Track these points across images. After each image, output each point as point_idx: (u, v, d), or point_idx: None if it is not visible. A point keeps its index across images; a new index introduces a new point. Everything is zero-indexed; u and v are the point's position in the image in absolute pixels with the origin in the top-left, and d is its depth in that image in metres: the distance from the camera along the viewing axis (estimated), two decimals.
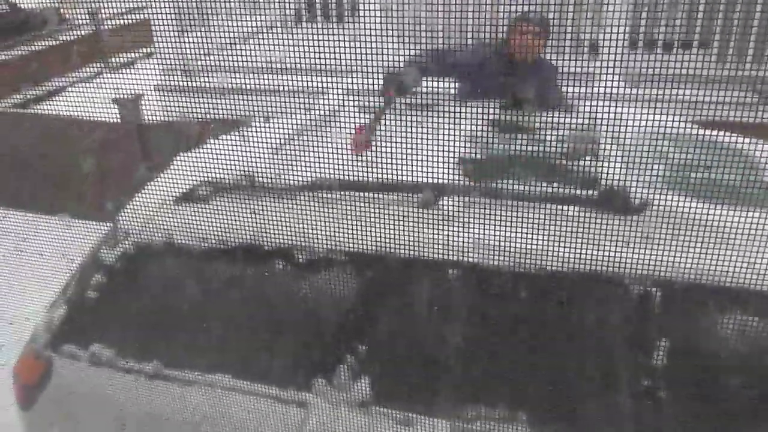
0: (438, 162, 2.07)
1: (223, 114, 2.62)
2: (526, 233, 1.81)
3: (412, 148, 2.08)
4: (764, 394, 1.70)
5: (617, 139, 2.09)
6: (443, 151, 2.12)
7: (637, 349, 1.76)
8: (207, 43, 5.14)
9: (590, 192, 1.86)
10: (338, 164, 2.05)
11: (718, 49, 4.54)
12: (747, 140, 2.39)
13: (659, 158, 2.09)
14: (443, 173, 2.00)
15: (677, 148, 2.17)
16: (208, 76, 5.03)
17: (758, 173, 2.10)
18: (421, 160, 2.06)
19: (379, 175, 1.96)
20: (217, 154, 2.37)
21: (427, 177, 1.95)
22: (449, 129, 2.26)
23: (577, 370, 1.81)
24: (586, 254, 1.75)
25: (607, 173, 1.92)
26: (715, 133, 2.42)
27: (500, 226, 1.84)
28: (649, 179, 1.93)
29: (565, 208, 1.84)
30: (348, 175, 2.01)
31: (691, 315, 1.78)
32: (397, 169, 1.96)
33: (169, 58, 4.82)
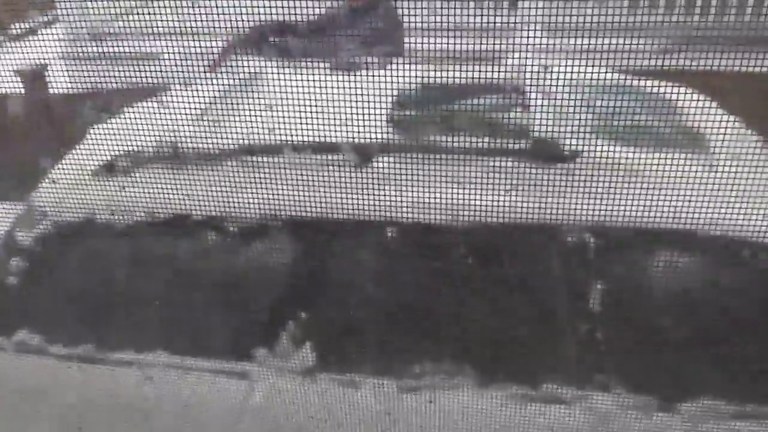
0: (368, 121, 2.03)
1: (136, 82, 2.48)
2: (461, 188, 1.81)
3: (341, 108, 2.03)
4: (698, 328, 1.78)
5: (545, 91, 2.11)
6: (373, 109, 2.09)
7: (575, 295, 1.80)
8: (115, 5, 4.84)
9: (522, 144, 1.86)
10: (266, 128, 1.98)
11: None
12: (667, 85, 2.45)
13: (586, 107, 2.12)
14: (374, 132, 1.96)
15: (603, 97, 2.21)
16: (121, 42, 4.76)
17: (679, 117, 2.17)
18: (351, 120, 2.02)
19: (310, 137, 1.91)
20: (135, 123, 2.25)
21: (358, 137, 1.91)
22: (378, 87, 2.22)
23: (519, 319, 1.84)
24: (521, 205, 1.77)
25: (538, 125, 1.93)
26: (636, 80, 2.48)
27: (434, 182, 1.83)
28: (578, 129, 1.95)
29: (499, 160, 1.84)
30: (277, 139, 1.94)
31: (625, 258, 1.83)
32: (327, 130, 1.92)
33: (75, 24, 4.52)
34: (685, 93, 2.33)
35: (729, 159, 1.91)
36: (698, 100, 2.27)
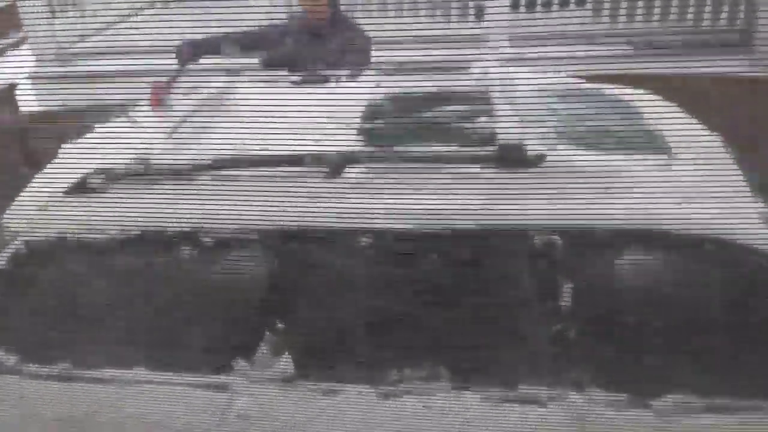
0: (338, 132, 2.07)
1: (105, 99, 2.49)
2: (431, 195, 1.85)
3: (311, 120, 2.06)
4: (666, 324, 1.83)
5: (509, 98, 2.16)
6: (343, 120, 2.13)
7: (545, 296, 1.85)
8: (82, 25, 4.83)
9: (488, 150, 1.90)
10: (238, 141, 2.00)
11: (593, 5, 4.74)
12: (627, 90, 2.52)
13: (549, 113, 2.18)
14: (345, 142, 2.00)
15: (565, 102, 2.27)
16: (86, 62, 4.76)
17: (639, 120, 2.24)
18: (322, 131, 2.05)
19: (281, 149, 1.94)
20: (106, 141, 2.26)
21: (330, 147, 1.95)
22: (347, 98, 2.26)
23: (493, 322, 1.88)
24: (489, 210, 1.81)
25: (503, 131, 1.97)
26: (597, 85, 2.55)
27: (405, 190, 1.86)
28: (542, 133, 2.01)
29: (466, 167, 1.89)
30: (249, 152, 1.96)
31: (593, 258, 1.88)
32: (298, 142, 1.95)
33: (43, 45, 4.52)
34: (646, 96, 2.41)
35: (689, 159, 1.98)
36: (658, 103, 2.35)
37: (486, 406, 1.88)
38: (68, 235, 2.00)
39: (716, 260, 1.82)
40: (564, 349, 1.86)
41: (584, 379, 1.86)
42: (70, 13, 4.87)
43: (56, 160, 2.22)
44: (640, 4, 4.38)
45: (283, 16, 3.88)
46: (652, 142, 2.09)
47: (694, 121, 2.31)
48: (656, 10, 4.45)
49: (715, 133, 2.29)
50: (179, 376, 1.98)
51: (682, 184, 1.86)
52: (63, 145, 2.28)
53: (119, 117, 2.39)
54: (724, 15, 4.51)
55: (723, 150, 2.21)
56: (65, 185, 2.03)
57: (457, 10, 4.40)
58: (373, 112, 2.21)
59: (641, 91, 2.52)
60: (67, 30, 4.71)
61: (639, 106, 2.32)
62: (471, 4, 4.33)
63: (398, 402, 1.91)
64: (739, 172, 2.06)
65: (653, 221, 1.79)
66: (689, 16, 4.49)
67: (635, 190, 1.82)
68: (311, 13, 3.31)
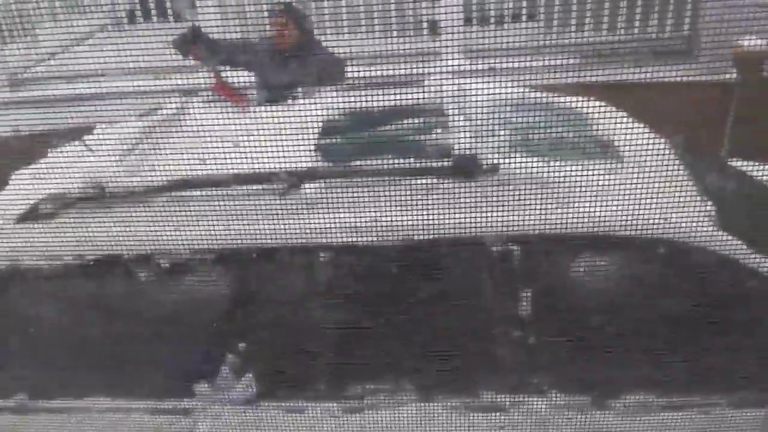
0: (295, 149, 2.07)
1: (59, 124, 2.45)
2: (390, 208, 1.86)
3: (267, 139, 2.06)
4: (621, 325, 1.87)
5: (463, 110, 2.19)
6: (299, 138, 2.13)
7: (505, 303, 1.87)
8: (34, 51, 4.78)
9: (444, 161, 1.93)
10: (191, 163, 1.99)
11: (544, 19, 4.85)
12: (577, 99, 2.57)
13: (503, 123, 2.21)
14: (301, 160, 2.00)
15: (518, 113, 2.31)
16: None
17: (589, 129, 2.28)
18: (278, 149, 2.05)
19: (236, 169, 1.93)
20: (59, 166, 2.22)
21: (286, 165, 1.95)
22: (302, 116, 2.27)
23: (456, 330, 1.89)
24: (448, 220, 1.83)
25: (458, 142, 2.00)
26: (549, 95, 2.60)
27: (362, 205, 1.87)
28: (496, 144, 2.04)
29: (423, 179, 1.90)
30: (202, 173, 1.95)
31: (550, 263, 1.91)
32: (253, 161, 1.94)
33: None
34: (594, 105, 2.46)
35: (639, 164, 2.03)
36: (606, 111, 2.40)
37: (450, 416, 1.89)
38: (21, 263, 1.96)
39: (667, 261, 1.87)
40: (524, 355, 1.88)
41: (545, 383, 1.89)
42: (21, 39, 4.81)
43: (8, 188, 2.18)
44: (588, 14, 4.51)
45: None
46: (601, 149, 2.14)
47: (642, 126, 2.37)
48: (604, 21, 4.59)
49: (662, 138, 2.35)
50: (139, 403, 1.95)
51: (632, 189, 1.91)
52: (15, 172, 2.24)
53: (72, 142, 2.36)
54: (669, 24, 4.67)
55: (670, 154, 2.27)
56: (17, 212, 1.99)
57: (412, 25, 4.47)
58: (329, 129, 2.22)
59: (589, 100, 2.57)
60: (19, 56, 4.66)
61: (588, 114, 2.37)
62: (424, 19, 4.41)
63: (363, 416, 1.90)
64: (687, 175, 2.12)
65: (605, 226, 1.83)
66: (635, 25, 4.63)
67: (586, 196, 1.86)
68: (278, 37, 3.35)
